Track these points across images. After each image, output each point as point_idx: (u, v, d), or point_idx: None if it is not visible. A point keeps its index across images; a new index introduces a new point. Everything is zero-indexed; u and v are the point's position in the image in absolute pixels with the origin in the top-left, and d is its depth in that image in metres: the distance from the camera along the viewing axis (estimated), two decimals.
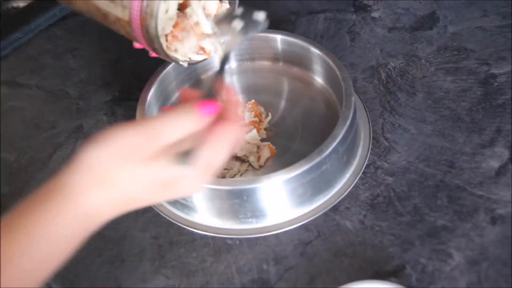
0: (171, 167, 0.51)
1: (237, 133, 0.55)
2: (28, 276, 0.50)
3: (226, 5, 0.75)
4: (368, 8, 1.00)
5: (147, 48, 0.72)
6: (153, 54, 0.73)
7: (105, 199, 0.51)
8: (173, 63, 0.85)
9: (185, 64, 0.74)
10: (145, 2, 0.66)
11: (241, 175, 0.80)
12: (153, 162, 0.51)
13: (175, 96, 0.89)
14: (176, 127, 0.52)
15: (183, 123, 0.52)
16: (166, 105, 0.88)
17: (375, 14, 0.99)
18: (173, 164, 0.51)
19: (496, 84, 0.85)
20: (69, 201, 0.50)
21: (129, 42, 1.02)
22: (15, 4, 1.41)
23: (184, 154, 0.52)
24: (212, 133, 0.53)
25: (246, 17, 0.62)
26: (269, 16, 1.00)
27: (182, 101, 0.58)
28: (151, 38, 0.68)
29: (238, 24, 0.65)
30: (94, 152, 0.51)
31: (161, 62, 0.85)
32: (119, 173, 0.51)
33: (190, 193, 0.59)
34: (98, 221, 0.53)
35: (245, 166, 0.80)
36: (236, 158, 0.80)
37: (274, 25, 0.99)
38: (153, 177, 0.52)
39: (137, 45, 0.75)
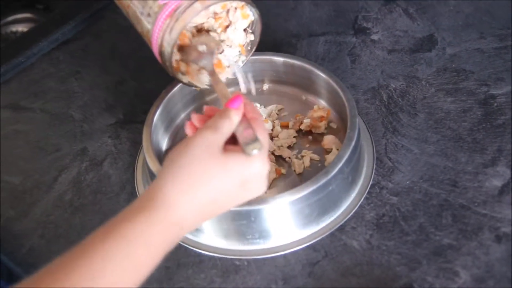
0: (246, 159, 0.59)
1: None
2: (127, 279, 0.54)
3: (251, 37, 0.78)
4: (368, 31, 1.02)
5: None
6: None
7: (191, 206, 0.57)
8: (179, 85, 0.86)
9: (197, 88, 0.78)
10: (160, 41, 0.70)
11: None
12: (229, 155, 0.59)
13: (181, 118, 0.90)
14: (228, 120, 0.61)
15: (231, 116, 0.61)
16: (171, 127, 0.89)
17: (374, 37, 1.01)
18: (243, 157, 0.59)
19: (495, 104, 0.87)
20: (164, 211, 0.56)
21: (131, 65, 1.03)
22: (14, 29, 1.43)
23: (244, 139, 0.60)
24: (251, 121, 0.62)
25: None
26: (270, 39, 1.02)
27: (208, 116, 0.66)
28: (164, 62, 0.71)
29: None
30: (177, 158, 0.58)
31: (164, 85, 0.86)
32: (200, 171, 0.57)
33: (258, 192, 0.62)
34: (186, 230, 0.58)
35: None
36: None
37: (275, 48, 1.01)
38: (233, 171, 0.59)
39: None
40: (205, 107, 0.68)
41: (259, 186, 0.61)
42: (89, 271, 0.52)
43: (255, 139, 0.60)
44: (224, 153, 0.59)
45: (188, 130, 0.66)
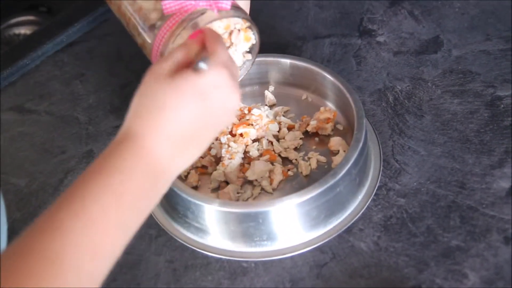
0: (194, 74, 0.56)
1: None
2: (123, 228, 0.53)
3: (248, 56, 0.79)
4: (373, 33, 1.02)
5: None
6: None
7: (158, 135, 0.55)
8: None
9: None
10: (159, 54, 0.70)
11: (254, 198, 0.80)
12: (176, 75, 0.56)
13: None
14: (182, 47, 0.60)
15: (186, 43, 0.61)
16: None
17: (380, 39, 1.01)
18: (194, 71, 0.56)
19: (502, 106, 0.87)
20: (132, 143, 0.54)
21: (136, 67, 1.03)
22: (17, 31, 1.43)
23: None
24: (208, 42, 0.61)
25: None
26: (275, 41, 1.02)
27: None
28: None
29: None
30: (139, 94, 0.57)
31: None
32: (151, 97, 0.56)
33: (230, 104, 0.59)
34: (167, 166, 0.56)
35: (257, 190, 0.80)
36: (248, 182, 0.81)
37: (281, 50, 1.01)
38: (183, 89, 0.56)
39: None
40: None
41: (224, 98, 0.58)
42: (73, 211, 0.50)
43: (206, 56, 0.58)
44: (172, 75, 0.57)
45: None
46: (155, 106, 0.55)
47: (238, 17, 0.71)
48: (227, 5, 0.68)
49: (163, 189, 0.57)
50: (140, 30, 0.72)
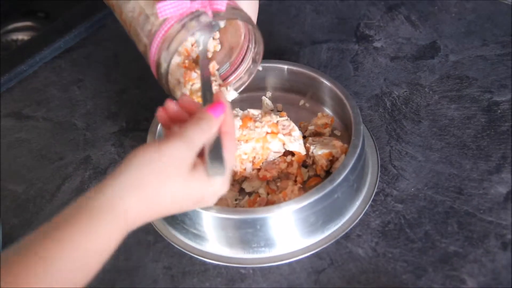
0: (207, 182, 0.59)
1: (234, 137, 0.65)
2: (73, 276, 0.53)
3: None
4: (370, 38, 1.02)
5: None
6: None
7: (140, 204, 0.56)
8: None
9: None
10: (157, 58, 0.70)
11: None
12: (194, 178, 0.58)
13: None
14: (204, 134, 0.59)
15: (208, 129, 0.60)
16: None
17: (377, 44, 1.01)
18: (206, 178, 0.59)
19: (499, 111, 0.87)
20: (123, 222, 0.55)
21: (134, 73, 1.03)
22: (14, 37, 1.43)
23: (211, 158, 0.59)
24: (223, 135, 0.61)
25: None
26: (272, 47, 1.02)
27: (183, 109, 0.66)
28: (161, 78, 0.71)
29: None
30: (146, 165, 0.57)
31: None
32: (165, 187, 0.57)
33: (210, 203, 0.63)
34: (133, 225, 0.57)
35: (256, 197, 0.80)
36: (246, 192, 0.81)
37: (278, 55, 1.01)
38: (193, 193, 0.59)
39: None
40: (180, 96, 0.67)
41: (209, 202, 0.62)
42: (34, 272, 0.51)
43: (221, 161, 0.59)
44: (191, 171, 0.58)
45: (160, 117, 0.65)
46: (163, 196, 0.58)
47: (235, 18, 0.70)
48: (222, 6, 0.67)
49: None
50: (140, 37, 0.71)
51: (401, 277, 0.71)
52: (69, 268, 0.52)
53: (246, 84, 0.80)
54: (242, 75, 0.80)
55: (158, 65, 0.70)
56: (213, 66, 0.78)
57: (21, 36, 1.42)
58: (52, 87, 1.03)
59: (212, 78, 0.77)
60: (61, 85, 1.03)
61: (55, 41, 1.09)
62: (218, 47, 0.80)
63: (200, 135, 0.59)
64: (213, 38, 0.80)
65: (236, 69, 0.80)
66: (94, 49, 1.10)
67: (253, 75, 0.80)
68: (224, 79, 0.81)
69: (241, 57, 0.79)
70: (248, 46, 0.78)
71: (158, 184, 0.57)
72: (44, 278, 0.50)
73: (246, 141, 0.79)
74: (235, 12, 0.69)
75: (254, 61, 0.79)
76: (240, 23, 0.77)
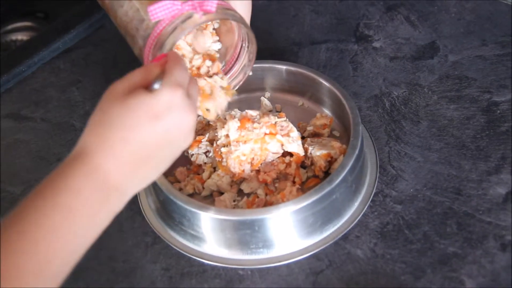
0: (146, 94, 0.56)
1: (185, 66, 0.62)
2: (71, 247, 0.53)
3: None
4: (369, 38, 1.02)
5: None
6: None
7: (113, 154, 0.55)
8: None
9: None
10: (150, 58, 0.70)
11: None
12: (129, 95, 0.56)
13: None
14: (141, 69, 0.60)
15: (147, 66, 0.61)
16: None
17: (376, 44, 1.01)
18: (146, 92, 0.56)
19: (498, 111, 0.87)
20: (81, 159, 0.54)
21: None
22: (13, 37, 1.43)
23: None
24: (167, 64, 0.60)
25: None
26: (271, 47, 1.02)
27: None
28: None
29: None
30: (94, 112, 0.57)
31: None
32: (105, 115, 0.56)
33: (185, 125, 0.58)
34: (118, 186, 0.55)
35: (254, 198, 0.80)
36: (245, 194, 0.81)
37: (277, 55, 1.01)
38: (135, 108, 0.55)
39: None
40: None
41: (178, 118, 0.57)
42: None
43: (162, 78, 0.58)
44: (126, 95, 0.56)
45: None
46: (107, 125, 0.55)
47: (226, 19, 0.70)
48: (212, 7, 0.67)
49: (116, 207, 0.57)
50: (135, 40, 0.71)
51: (400, 278, 0.71)
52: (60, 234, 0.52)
53: (242, 82, 0.80)
54: (237, 74, 0.80)
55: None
56: (218, 66, 0.78)
57: (21, 37, 1.42)
58: (50, 88, 1.03)
59: (218, 77, 0.77)
60: (59, 86, 1.03)
61: (54, 41, 1.09)
62: (219, 46, 0.80)
63: (135, 71, 0.59)
64: (213, 39, 0.80)
65: (231, 68, 0.80)
66: (93, 50, 1.09)
67: (247, 74, 0.80)
68: None
69: (236, 56, 0.79)
70: (242, 45, 0.78)
71: (100, 115, 0.56)
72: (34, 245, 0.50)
73: (245, 142, 0.79)
74: (226, 12, 0.69)
75: (248, 59, 0.79)
76: (233, 22, 0.77)
